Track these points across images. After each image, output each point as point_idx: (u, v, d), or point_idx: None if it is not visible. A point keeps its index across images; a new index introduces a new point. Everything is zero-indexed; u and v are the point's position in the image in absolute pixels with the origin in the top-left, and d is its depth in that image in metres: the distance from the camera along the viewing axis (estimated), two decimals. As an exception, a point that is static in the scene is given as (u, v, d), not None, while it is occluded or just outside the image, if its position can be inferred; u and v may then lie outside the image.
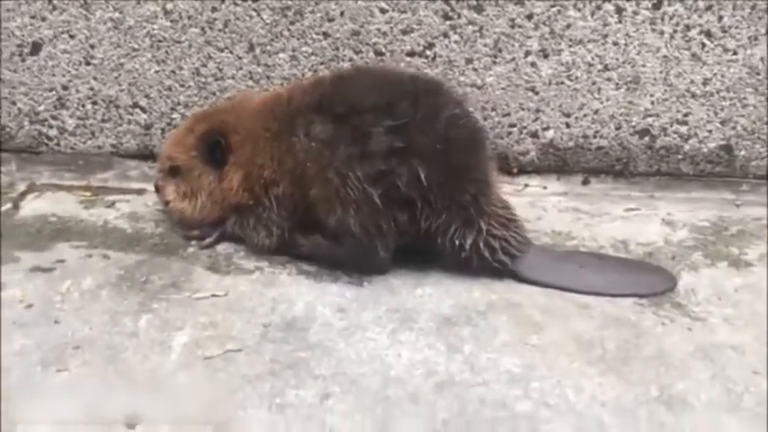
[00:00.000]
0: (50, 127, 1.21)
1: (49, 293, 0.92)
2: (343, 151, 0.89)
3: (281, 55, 1.15)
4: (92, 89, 1.19)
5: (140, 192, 1.16)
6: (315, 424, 0.73)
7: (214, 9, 1.13)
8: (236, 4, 1.12)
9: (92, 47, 1.16)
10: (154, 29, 1.14)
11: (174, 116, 1.20)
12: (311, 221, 0.95)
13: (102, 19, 1.14)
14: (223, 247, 1.02)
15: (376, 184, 0.89)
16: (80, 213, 1.09)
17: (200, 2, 1.12)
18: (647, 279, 0.96)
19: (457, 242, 0.91)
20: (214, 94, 1.18)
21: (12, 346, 0.82)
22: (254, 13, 1.12)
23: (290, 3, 1.11)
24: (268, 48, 1.14)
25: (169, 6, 1.13)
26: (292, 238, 0.98)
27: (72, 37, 1.15)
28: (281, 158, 0.94)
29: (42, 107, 1.20)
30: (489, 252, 0.92)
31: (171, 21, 1.14)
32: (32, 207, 1.10)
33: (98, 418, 0.73)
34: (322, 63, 1.15)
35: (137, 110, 1.20)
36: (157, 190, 1.05)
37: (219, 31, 1.14)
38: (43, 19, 1.15)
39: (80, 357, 0.81)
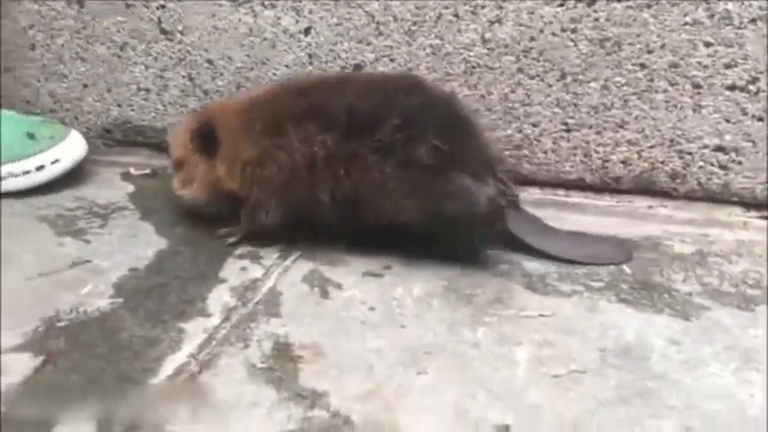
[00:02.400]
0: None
1: (385, 298, 1.00)
2: (368, 153, 1.00)
3: (592, 84, 1.17)
4: (402, 109, 1.28)
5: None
6: (683, 455, 0.74)
7: (532, 38, 1.17)
8: (554, 35, 1.16)
9: (408, 70, 1.25)
10: (470, 56, 1.21)
11: (476, 138, 1.26)
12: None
13: (422, 45, 1.23)
14: (534, 267, 1.06)
15: (408, 168, 0.99)
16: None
17: (519, 32, 1.18)
18: (609, 251, 1.08)
19: None
20: (518, 119, 1.23)
21: (368, 345, 0.90)
22: (571, 44, 1.16)
23: (609, 35, 1.14)
24: (580, 77, 1.17)
25: (488, 35, 1.19)
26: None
27: (392, 60, 1.25)
28: (268, 150, 1.05)
29: (354, 123, 1.31)
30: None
31: (488, 48, 1.20)
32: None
33: (467, 420, 0.78)
34: (634, 93, 1.16)
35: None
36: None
37: (534, 59, 1.19)
38: (368, 43, 1.25)
39: (435, 362, 0.87)
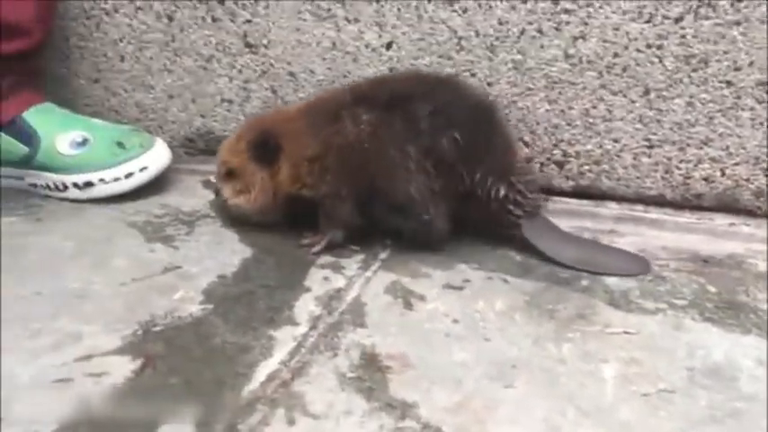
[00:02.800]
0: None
1: (467, 311, 1.01)
2: (399, 131, 1.06)
3: (676, 101, 1.17)
4: (481, 123, 1.29)
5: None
6: (780, 479, 0.74)
7: (616, 54, 1.18)
8: (639, 51, 1.16)
9: (489, 84, 1.26)
10: (552, 71, 1.22)
11: (555, 152, 1.27)
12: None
13: (503, 60, 1.24)
14: (616, 283, 1.06)
15: (427, 157, 1.05)
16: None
17: (603, 48, 1.18)
18: (627, 263, 1.11)
19: (492, 194, 1.07)
20: (599, 134, 1.24)
21: (454, 357, 0.91)
22: (656, 60, 1.16)
23: (696, 51, 1.14)
24: (664, 93, 1.17)
25: (571, 51, 1.20)
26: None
27: (473, 75, 1.26)
28: (326, 139, 1.10)
29: (433, 136, 1.33)
30: (514, 206, 1.08)
31: (570, 64, 1.21)
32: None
33: (559, 437, 0.79)
34: (720, 111, 1.16)
35: (520, 144, 1.28)
36: (217, 193, 1.22)
37: (617, 75, 1.19)
38: (449, 58, 1.27)
39: (521, 377, 0.88)
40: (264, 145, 1.15)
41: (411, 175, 1.07)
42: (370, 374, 0.88)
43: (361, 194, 1.11)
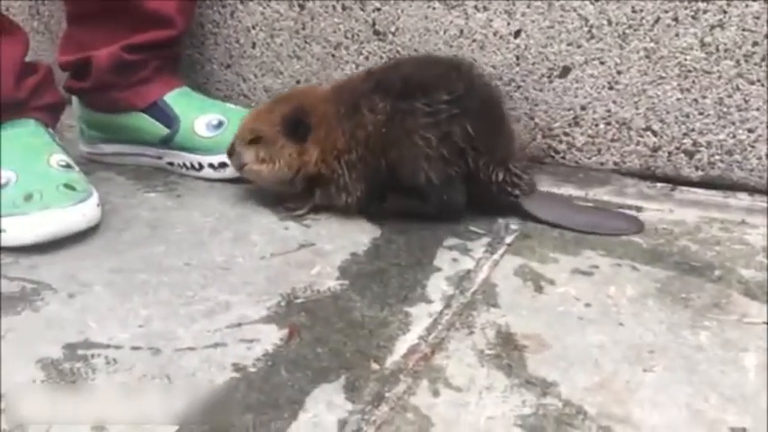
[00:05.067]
0: (560, 142, 1.35)
1: (598, 296, 1.02)
2: (418, 119, 1.12)
3: (818, 91, 1.14)
4: (608, 111, 1.29)
5: (638, 209, 1.24)
6: None
7: (755, 43, 1.16)
8: (780, 39, 1.15)
9: (618, 73, 1.26)
10: (686, 59, 1.21)
11: (684, 141, 1.26)
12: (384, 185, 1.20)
13: (635, 48, 1.23)
14: (751, 274, 1.05)
15: (443, 142, 1.12)
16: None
17: (742, 36, 1.16)
18: (621, 223, 1.19)
19: (492, 177, 1.15)
20: (733, 123, 1.22)
21: (589, 339, 0.93)
22: (799, 48, 1.14)
23: (843, 39, 1.11)
24: (805, 83, 1.15)
25: (708, 39, 1.18)
26: (370, 201, 1.22)
27: (602, 63, 1.26)
28: (352, 132, 1.16)
29: (557, 124, 1.34)
30: (511, 187, 1.17)
31: (706, 53, 1.19)
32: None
33: (703, 421, 0.80)
34: None
35: (648, 133, 1.28)
36: (230, 155, 1.24)
37: (755, 64, 1.16)
38: (579, 46, 1.27)
39: (660, 362, 0.88)
40: (297, 122, 1.20)
41: (430, 161, 1.13)
42: (508, 352, 0.90)
43: (376, 175, 1.18)
